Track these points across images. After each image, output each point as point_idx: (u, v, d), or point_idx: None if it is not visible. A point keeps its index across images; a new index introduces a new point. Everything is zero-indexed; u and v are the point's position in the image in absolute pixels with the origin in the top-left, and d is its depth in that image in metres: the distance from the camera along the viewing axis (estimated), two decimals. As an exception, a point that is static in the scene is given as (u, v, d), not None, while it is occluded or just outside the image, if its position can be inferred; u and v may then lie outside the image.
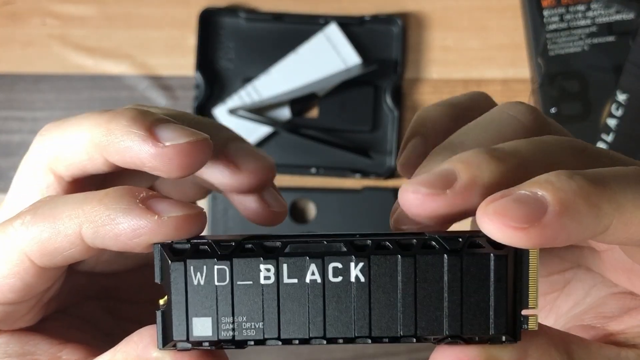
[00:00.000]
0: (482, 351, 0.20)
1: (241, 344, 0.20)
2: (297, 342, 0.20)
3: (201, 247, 0.20)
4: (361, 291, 0.20)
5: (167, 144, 0.21)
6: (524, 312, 0.20)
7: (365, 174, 0.55)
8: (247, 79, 0.56)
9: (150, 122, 0.22)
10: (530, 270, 0.20)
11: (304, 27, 0.56)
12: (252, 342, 0.20)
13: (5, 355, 0.23)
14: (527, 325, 0.20)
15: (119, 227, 0.20)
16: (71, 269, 0.25)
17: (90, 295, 0.27)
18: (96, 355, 0.23)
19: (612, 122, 0.53)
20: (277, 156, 0.56)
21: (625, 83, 0.53)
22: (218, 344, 0.20)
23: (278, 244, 0.20)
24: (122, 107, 0.23)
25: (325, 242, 0.20)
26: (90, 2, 0.58)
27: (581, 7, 0.54)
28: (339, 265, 0.20)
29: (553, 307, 0.27)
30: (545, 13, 0.54)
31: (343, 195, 0.55)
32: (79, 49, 0.57)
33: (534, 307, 0.20)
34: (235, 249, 0.20)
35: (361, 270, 0.20)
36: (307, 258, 0.20)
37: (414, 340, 0.20)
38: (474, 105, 0.25)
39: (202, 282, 0.20)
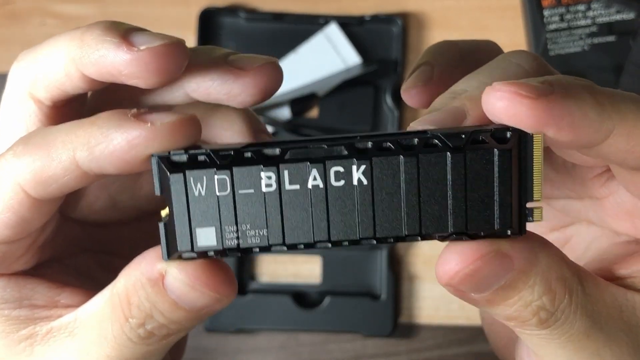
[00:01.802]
0: (492, 245, 0.19)
1: (246, 252, 0.20)
2: (302, 246, 0.20)
3: (199, 157, 0.19)
4: (364, 194, 0.19)
5: (142, 47, 0.21)
6: (528, 204, 0.20)
7: (365, 174, 0.55)
8: (247, 79, 0.56)
9: (124, 29, 0.21)
10: (535, 159, 0.19)
11: (304, 27, 0.56)
12: (257, 249, 0.20)
13: (2, 300, 0.23)
14: (532, 218, 0.20)
15: (113, 142, 0.20)
16: (64, 217, 0.25)
17: (84, 248, 0.26)
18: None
19: (612, 122, 0.53)
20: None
21: (626, 83, 0.53)
22: (223, 253, 0.20)
23: (277, 150, 0.19)
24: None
25: (325, 145, 0.19)
26: (90, 2, 0.58)
27: (581, 7, 0.54)
28: (341, 169, 0.19)
29: None
30: (546, 13, 0.54)
31: (343, 195, 0.55)
32: (79, 49, 0.57)
33: (538, 199, 0.20)
34: (235, 158, 0.19)
35: (363, 173, 0.19)
36: (308, 163, 0.19)
37: (419, 238, 0.20)
38: (482, 46, 0.25)
39: (203, 193, 0.19)
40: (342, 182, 0.19)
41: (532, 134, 0.19)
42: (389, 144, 0.19)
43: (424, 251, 0.55)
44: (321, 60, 0.55)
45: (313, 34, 0.56)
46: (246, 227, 0.20)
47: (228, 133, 0.26)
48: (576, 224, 0.26)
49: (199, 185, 0.19)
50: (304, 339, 0.54)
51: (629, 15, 0.54)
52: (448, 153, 0.19)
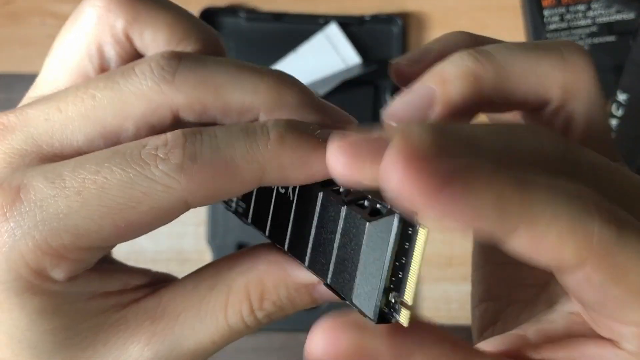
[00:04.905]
0: (357, 338, 0.18)
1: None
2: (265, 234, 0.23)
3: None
4: (290, 205, 0.22)
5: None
6: (400, 300, 0.18)
7: (365, 174, 0.55)
8: (247, 79, 0.56)
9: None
10: (414, 256, 0.18)
11: (304, 27, 0.56)
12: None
13: (78, 294, 0.21)
14: (399, 316, 0.18)
15: (314, 167, 0.20)
16: None
17: None
18: (158, 281, 0.23)
19: (612, 122, 0.53)
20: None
21: (626, 83, 0.53)
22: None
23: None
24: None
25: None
26: (90, 2, 0.58)
27: (581, 7, 0.54)
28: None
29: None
30: (546, 13, 0.54)
31: (343, 195, 0.55)
32: (79, 49, 0.57)
33: (408, 302, 0.18)
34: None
35: (292, 189, 0.22)
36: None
37: (306, 266, 0.21)
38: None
39: None
40: (283, 190, 0.22)
41: (418, 227, 0.17)
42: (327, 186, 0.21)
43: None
44: (321, 60, 0.55)
45: (313, 34, 0.56)
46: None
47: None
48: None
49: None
50: (304, 339, 0.53)
51: (629, 15, 0.54)
52: (344, 207, 0.19)
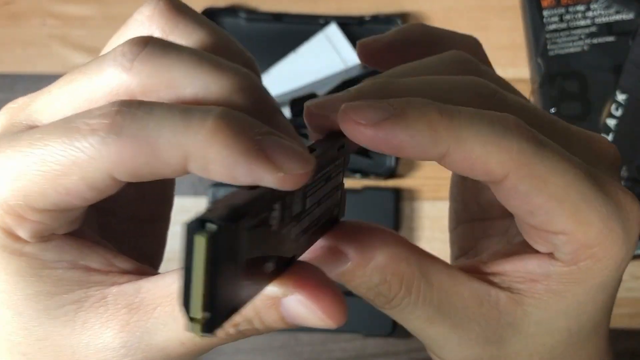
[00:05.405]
0: (329, 241, 0.22)
1: None
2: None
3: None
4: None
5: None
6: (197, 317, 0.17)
7: (365, 174, 0.55)
8: (247, 79, 0.56)
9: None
10: (195, 267, 0.16)
11: (304, 27, 0.56)
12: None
13: (57, 259, 0.22)
14: (200, 327, 0.17)
15: (236, 173, 0.19)
16: None
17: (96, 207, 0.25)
18: (143, 272, 0.22)
19: (611, 122, 0.53)
20: (277, 156, 0.56)
21: (625, 83, 0.53)
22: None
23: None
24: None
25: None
26: (90, 2, 0.58)
27: (581, 7, 0.54)
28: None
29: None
30: (545, 13, 0.54)
31: (343, 195, 0.55)
32: (79, 49, 0.57)
33: (196, 316, 0.17)
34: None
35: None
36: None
37: None
38: (457, 39, 0.26)
39: None
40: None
41: (195, 236, 0.16)
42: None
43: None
44: (321, 60, 0.55)
45: (313, 34, 0.56)
46: None
47: None
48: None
49: None
50: (304, 338, 0.54)
51: (628, 16, 0.54)
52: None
